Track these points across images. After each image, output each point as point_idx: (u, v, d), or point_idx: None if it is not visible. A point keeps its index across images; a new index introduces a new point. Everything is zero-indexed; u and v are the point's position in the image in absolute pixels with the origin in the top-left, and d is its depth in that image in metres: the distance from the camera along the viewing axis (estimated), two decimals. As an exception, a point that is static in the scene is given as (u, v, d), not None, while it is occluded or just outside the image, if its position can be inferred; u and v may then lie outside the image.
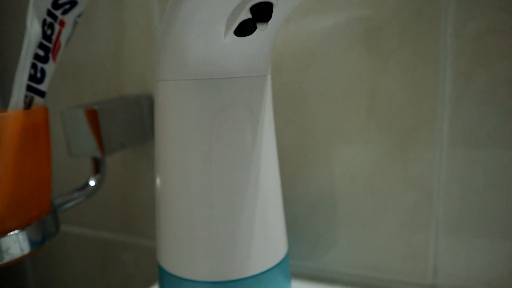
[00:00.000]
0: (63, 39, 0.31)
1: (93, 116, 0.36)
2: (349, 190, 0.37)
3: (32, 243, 0.29)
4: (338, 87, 0.35)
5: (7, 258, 0.28)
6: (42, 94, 0.30)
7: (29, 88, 0.29)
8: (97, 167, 0.38)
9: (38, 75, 0.29)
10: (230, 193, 0.26)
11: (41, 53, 0.29)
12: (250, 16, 0.22)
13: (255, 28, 0.23)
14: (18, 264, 0.60)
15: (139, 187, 0.47)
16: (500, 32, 0.30)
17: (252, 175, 0.27)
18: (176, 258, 0.28)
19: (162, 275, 0.30)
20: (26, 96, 0.29)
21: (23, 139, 0.27)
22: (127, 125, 0.39)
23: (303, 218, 0.39)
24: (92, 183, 0.38)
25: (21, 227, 0.29)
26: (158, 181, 0.28)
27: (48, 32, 0.29)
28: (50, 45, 0.29)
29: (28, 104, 0.29)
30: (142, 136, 0.41)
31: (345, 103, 0.35)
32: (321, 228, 0.39)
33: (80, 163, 0.50)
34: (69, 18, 0.31)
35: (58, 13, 0.29)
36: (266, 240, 0.28)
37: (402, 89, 0.34)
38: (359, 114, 0.35)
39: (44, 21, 0.28)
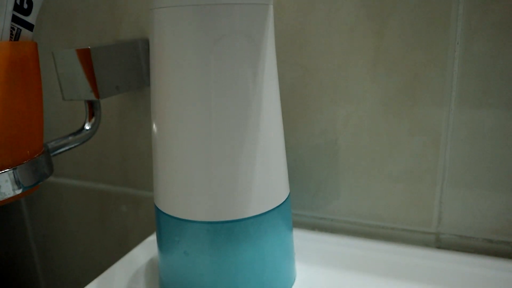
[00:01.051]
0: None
1: (86, 57, 0.34)
2: (353, 134, 0.36)
3: (25, 183, 0.28)
4: (343, 25, 0.34)
5: (-1, 197, 0.27)
6: (30, 26, 0.28)
7: (15, 20, 0.27)
8: (92, 111, 0.37)
9: (25, 5, 0.27)
10: (229, 130, 0.25)
11: (27, -19, 0.27)
12: None
13: None
14: (17, 217, 0.60)
15: (136, 137, 0.46)
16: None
17: (252, 111, 0.25)
18: (174, 199, 0.27)
19: (160, 217, 0.29)
20: (13, 28, 0.27)
21: (10, 71, 0.26)
22: (122, 68, 0.37)
23: (304, 164, 0.38)
24: (87, 127, 0.36)
25: (12, 166, 0.27)
26: (154, 120, 0.27)
27: (34, -42, 0.27)
28: (37, -26, 0.28)
29: (15, 37, 0.27)
30: (138, 81, 0.39)
31: (351, 42, 0.34)
32: (323, 175, 0.38)
33: (76, 111, 0.48)
34: None
35: None
36: (267, 181, 0.27)
37: (411, 26, 0.32)
38: (365, 54, 0.34)
39: None
